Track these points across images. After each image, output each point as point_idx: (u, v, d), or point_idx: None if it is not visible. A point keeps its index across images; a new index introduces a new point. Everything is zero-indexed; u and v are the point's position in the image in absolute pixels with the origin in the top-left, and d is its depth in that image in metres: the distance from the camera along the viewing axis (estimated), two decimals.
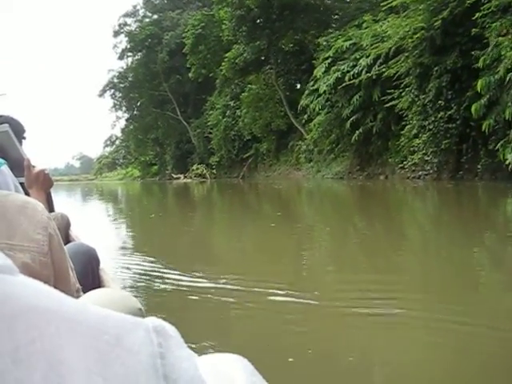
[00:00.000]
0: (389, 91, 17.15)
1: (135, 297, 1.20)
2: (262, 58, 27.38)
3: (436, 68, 14.85)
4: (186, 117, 43.21)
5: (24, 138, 2.13)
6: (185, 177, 41.25)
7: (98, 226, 9.35)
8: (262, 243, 6.86)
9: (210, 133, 36.68)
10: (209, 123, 36.46)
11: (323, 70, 19.79)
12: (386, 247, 6.02)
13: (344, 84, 18.34)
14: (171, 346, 0.26)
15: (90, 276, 1.65)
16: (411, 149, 16.86)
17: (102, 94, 47.26)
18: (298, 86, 28.34)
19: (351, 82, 18.18)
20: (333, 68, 19.41)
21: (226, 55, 25.55)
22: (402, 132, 17.31)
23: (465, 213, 9.09)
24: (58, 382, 0.21)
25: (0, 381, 0.20)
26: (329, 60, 19.84)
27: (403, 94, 16.51)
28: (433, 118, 15.04)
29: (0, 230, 0.88)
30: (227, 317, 3.38)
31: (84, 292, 1.18)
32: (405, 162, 17.63)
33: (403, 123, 17.34)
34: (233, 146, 34.85)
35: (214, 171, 37.19)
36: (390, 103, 17.10)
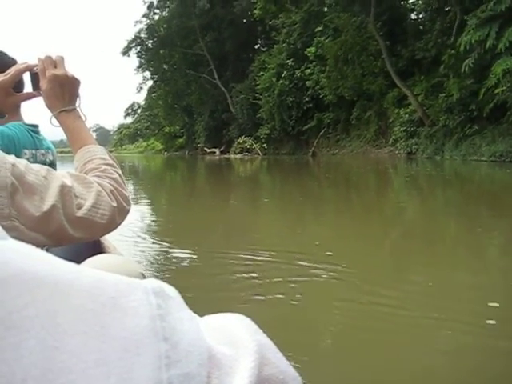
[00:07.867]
0: None
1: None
2: None
3: None
4: (225, 81, 36.71)
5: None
6: (221, 152, 34.81)
7: None
8: None
9: (259, 99, 30.03)
10: (258, 87, 29.82)
11: None
12: None
13: None
14: (171, 308, 0.25)
15: (90, 242, 1.55)
16: None
17: (126, 51, 40.71)
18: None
19: None
20: None
21: None
22: None
23: None
24: (54, 346, 0.21)
25: None
26: None
27: None
28: None
29: None
30: None
31: (85, 258, 1.14)
32: None
33: None
34: (289, 115, 28.25)
35: (265, 145, 30.53)
36: None
